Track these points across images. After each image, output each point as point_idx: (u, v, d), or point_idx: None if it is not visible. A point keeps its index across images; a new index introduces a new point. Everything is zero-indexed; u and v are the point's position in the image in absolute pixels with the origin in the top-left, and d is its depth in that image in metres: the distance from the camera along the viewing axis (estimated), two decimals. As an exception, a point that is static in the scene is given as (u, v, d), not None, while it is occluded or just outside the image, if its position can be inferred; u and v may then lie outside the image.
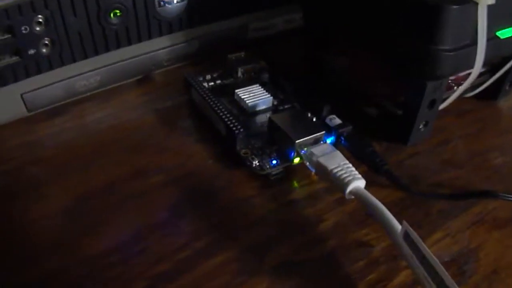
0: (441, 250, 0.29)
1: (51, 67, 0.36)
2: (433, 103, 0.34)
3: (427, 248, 0.25)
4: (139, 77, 0.41)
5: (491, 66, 0.38)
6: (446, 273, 0.24)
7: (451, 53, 0.30)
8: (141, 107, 0.39)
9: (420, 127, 0.35)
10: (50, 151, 0.35)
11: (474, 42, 0.31)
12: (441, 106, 0.35)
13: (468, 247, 0.30)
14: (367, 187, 0.30)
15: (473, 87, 0.38)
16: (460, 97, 0.37)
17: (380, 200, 0.30)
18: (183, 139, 0.36)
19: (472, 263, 0.29)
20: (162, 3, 0.38)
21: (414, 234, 0.26)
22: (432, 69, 0.31)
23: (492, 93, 0.40)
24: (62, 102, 0.38)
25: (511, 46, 0.34)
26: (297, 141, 0.32)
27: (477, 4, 0.29)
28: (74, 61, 0.37)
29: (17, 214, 0.30)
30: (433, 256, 0.24)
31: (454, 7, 0.29)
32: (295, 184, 0.33)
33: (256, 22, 0.45)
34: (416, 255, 0.25)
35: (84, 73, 0.38)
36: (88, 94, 0.39)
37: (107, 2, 0.36)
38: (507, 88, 0.40)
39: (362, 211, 0.31)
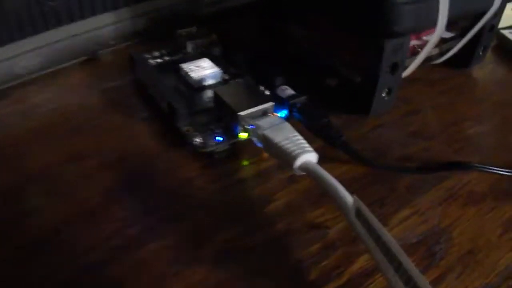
0: (407, 229, 0.24)
1: (-14, 48, 0.31)
2: (395, 67, 0.28)
3: (382, 227, 0.19)
4: (84, 58, 0.36)
5: (461, 30, 0.32)
6: (405, 255, 0.18)
7: (409, 6, 0.24)
8: (85, 89, 0.33)
9: (383, 95, 0.29)
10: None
11: (436, -7, 0.25)
12: (405, 73, 0.29)
13: (439, 226, 0.24)
14: (322, 163, 0.24)
15: (442, 53, 0.32)
16: (428, 64, 0.31)
17: (338, 176, 0.25)
18: (125, 120, 0.30)
19: (444, 244, 0.23)
20: (104, -25, 0.33)
21: (366, 211, 0.20)
22: (388, 25, 0.25)
23: (465, 60, 0.34)
24: (4, 86, 0.33)
25: (480, 2, 0.28)
26: (240, 113, 0.26)
27: None
28: (12, 41, 0.32)
29: None
30: (389, 236, 0.19)
31: None
32: (243, 162, 0.27)
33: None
34: (370, 235, 0.19)
35: (23, 54, 0.33)
36: (31, 77, 0.34)
37: (43, -24, 0.30)
38: (480, 53, 0.34)
39: (318, 190, 0.25)
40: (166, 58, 0.33)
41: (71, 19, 0.33)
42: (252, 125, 0.26)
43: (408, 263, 0.18)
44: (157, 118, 0.30)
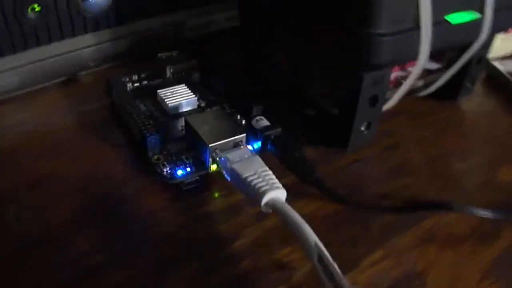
0: (380, 273, 0.22)
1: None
2: (374, 100, 0.26)
3: (341, 276, 0.18)
4: (63, 78, 0.34)
5: (448, 61, 0.30)
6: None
7: (388, 38, 0.23)
8: (60, 111, 0.32)
9: (362, 128, 0.27)
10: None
11: (418, 26, 0.23)
12: (387, 106, 0.28)
13: (415, 270, 0.23)
14: (294, 199, 0.23)
15: (427, 84, 0.30)
16: (413, 95, 0.30)
17: (309, 214, 0.24)
18: (97, 144, 0.29)
19: (418, 290, 0.22)
20: (86, -3, 0.31)
21: (327, 257, 0.18)
22: (366, 57, 0.23)
23: (452, 92, 0.32)
24: (-21, 105, 0.32)
25: (466, 34, 0.26)
26: (210, 145, 0.24)
27: (416, -22, 0.22)
28: None
29: None
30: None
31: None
32: (213, 195, 0.26)
33: (193, 19, 0.37)
34: (332, 283, 0.18)
35: (1, 73, 0.32)
36: (7, 96, 0.33)
37: (23, -5, 0.29)
38: (468, 85, 0.32)
39: (285, 228, 0.23)
40: (144, 82, 0.32)
41: (50, 40, 0.32)
42: (222, 157, 0.24)
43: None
44: (129, 144, 0.29)
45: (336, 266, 0.18)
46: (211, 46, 0.37)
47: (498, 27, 0.27)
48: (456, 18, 0.25)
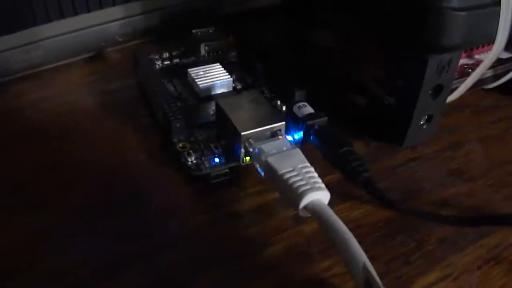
0: (435, 299, 0.18)
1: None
2: (438, 90, 0.22)
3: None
4: (89, 54, 0.31)
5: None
6: None
7: (463, 13, 0.18)
8: (83, 89, 0.29)
9: (421, 122, 0.23)
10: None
11: (497, 2, 0.19)
12: (451, 97, 0.23)
13: (476, 296, 0.18)
14: (338, 200, 0.20)
15: (496, 76, 0.26)
16: (479, 88, 0.25)
17: (355, 221, 0.20)
18: (118, 128, 0.26)
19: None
20: (114, -36, 0.28)
21: (377, 284, 0.14)
22: (435, 35, 0.19)
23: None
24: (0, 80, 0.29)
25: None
26: (243, 133, 0.21)
27: None
28: (11, 31, 0.28)
29: None
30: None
31: None
32: (244, 191, 0.22)
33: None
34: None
35: (22, 46, 0.29)
36: (30, 71, 0.30)
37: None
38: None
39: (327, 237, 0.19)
40: (176, 60, 0.28)
41: (75, 12, 0.29)
42: (256, 148, 0.20)
43: None
44: (153, 129, 0.25)
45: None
46: (251, 24, 0.33)
47: None
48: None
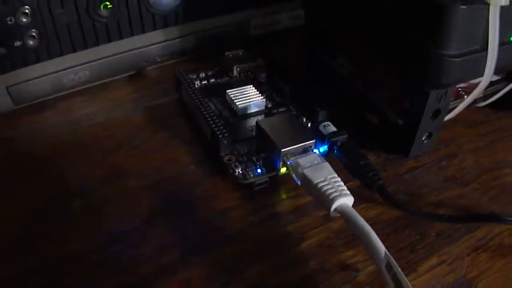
0: (435, 278, 0.26)
1: (38, 60, 0.34)
2: (437, 113, 0.30)
3: (408, 284, 0.21)
4: (131, 72, 0.38)
5: (507, 73, 0.33)
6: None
7: (457, 59, 0.26)
8: (129, 105, 0.36)
9: (423, 138, 0.31)
10: (27, 148, 0.32)
11: (484, 48, 0.27)
12: (447, 117, 0.31)
13: (466, 277, 0.26)
14: (357, 203, 0.27)
15: (486, 96, 0.33)
16: (471, 106, 0.33)
17: (372, 219, 0.28)
18: (167, 141, 0.33)
19: (468, 297, 0.25)
20: (156, -5, 0.35)
21: (396, 267, 0.22)
22: (436, 76, 0.27)
23: (509, 103, 0.35)
24: (51, 96, 0.36)
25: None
26: (283, 150, 0.28)
27: (488, 4, 0.25)
28: (62, 54, 0.35)
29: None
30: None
31: (462, 7, 0.25)
32: (280, 196, 0.30)
33: (259, 18, 0.41)
34: (398, 288, 0.22)
35: (73, 67, 0.36)
36: (77, 89, 0.37)
37: (97, -7, 0.33)
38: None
39: (352, 233, 0.27)
40: (212, 80, 0.36)
41: (121, 36, 0.36)
42: (292, 161, 0.28)
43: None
44: (198, 142, 0.33)
45: (403, 274, 0.22)
46: (276, 46, 0.41)
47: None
48: (521, 38, 0.28)
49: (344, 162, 0.29)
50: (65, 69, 0.35)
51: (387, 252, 0.23)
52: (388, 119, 0.32)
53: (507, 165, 0.33)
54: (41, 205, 0.28)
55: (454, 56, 0.26)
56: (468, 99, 0.30)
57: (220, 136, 0.30)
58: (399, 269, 0.22)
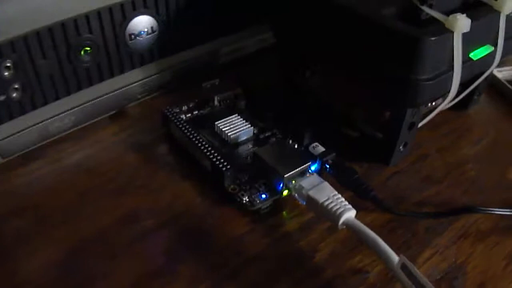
0: (431, 268, 0.31)
1: (23, 112, 0.35)
2: (412, 126, 0.35)
3: (425, 279, 0.27)
4: (112, 112, 0.41)
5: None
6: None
7: (431, 82, 0.31)
8: (119, 145, 0.39)
9: (400, 148, 0.36)
10: (31, 200, 0.34)
11: (451, 68, 0.32)
12: (419, 125, 0.37)
13: (456, 262, 0.32)
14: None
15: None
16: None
17: (368, 225, 0.32)
18: (168, 177, 0.36)
19: (461, 278, 0.31)
20: (132, 36, 0.38)
21: (411, 266, 0.27)
22: (413, 98, 0.32)
23: (463, 103, 0.41)
24: (37, 145, 0.38)
25: (483, 65, 0.35)
26: (286, 175, 0.33)
27: (452, 32, 0.31)
28: (46, 103, 0.36)
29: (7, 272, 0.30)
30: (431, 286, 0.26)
31: (432, 38, 0.30)
32: (285, 215, 0.34)
33: (228, 45, 0.45)
34: (415, 285, 0.27)
35: (58, 115, 0.38)
36: (63, 134, 0.39)
37: (77, 40, 0.35)
38: (475, 97, 0.42)
39: (353, 238, 0.32)
40: (195, 112, 0.39)
41: (101, 78, 0.38)
42: (294, 184, 0.33)
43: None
44: (198, 174, 0.36)
45: (418, 272, 0.27)
46: (247, 69, 0.45)
47: (508, 52, 0.36)
48: (477, 54, 0.34)
49: (338, 178, 0.34)
50: (50, 118, 0.37)
51: (402, 256, 0.28)
52: (367, 134, 0.37)
53: (470, 160, 0.39)
54: (64, 258, 0.30)
55: (428, 79, 0.31)
56: (438, 109, 0.36)
57: (223, 168, 0.34)
58: (415, 268, 0.27)
